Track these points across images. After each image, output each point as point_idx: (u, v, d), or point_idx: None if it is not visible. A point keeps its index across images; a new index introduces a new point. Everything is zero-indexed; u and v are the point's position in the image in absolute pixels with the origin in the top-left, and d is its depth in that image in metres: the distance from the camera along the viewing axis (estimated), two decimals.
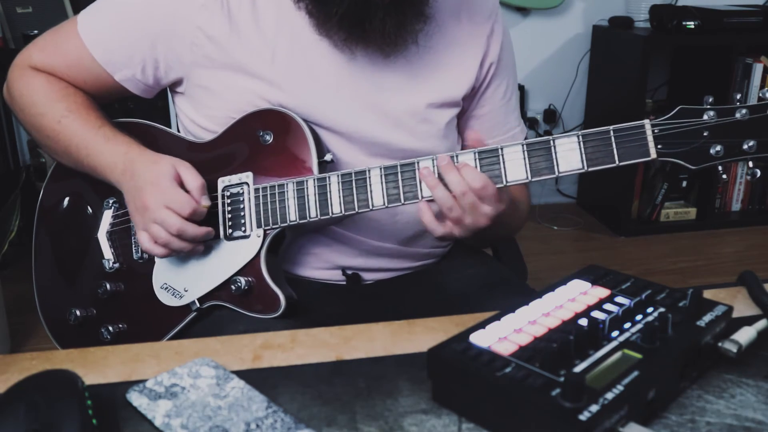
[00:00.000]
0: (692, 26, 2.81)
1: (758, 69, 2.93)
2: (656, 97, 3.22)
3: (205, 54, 0.99)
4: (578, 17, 3.18)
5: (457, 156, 0.89)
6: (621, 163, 0.85)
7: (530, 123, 3.23)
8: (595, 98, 3.21)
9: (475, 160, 0.89)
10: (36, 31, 2.54)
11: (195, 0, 0.98)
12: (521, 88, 3.18)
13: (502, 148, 0.88)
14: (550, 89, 3.24)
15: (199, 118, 1.04)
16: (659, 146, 0.84)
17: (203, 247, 0.97)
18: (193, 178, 0.94)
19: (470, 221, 0.89)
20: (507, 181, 0.88)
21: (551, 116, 3.26)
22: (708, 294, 0.73)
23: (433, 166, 0.90)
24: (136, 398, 0.65)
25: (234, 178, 0.98)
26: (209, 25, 0.98)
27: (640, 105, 2.90)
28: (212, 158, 1.01)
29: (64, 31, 1.05)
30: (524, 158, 0.87)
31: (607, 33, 3.07)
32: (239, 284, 0.95)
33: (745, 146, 0.82)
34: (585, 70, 3.23)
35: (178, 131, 1.12)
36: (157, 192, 0.92)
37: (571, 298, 0.73)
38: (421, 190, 0.90)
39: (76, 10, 2.61)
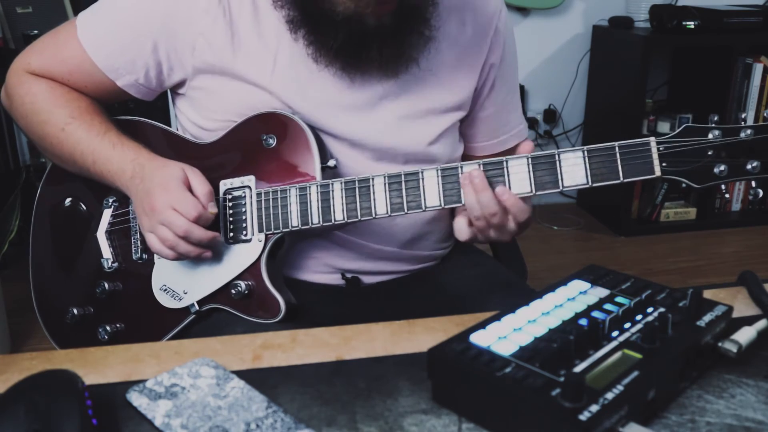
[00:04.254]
0: (692, 26, 2.81)
1: (758, 69, 2.93)
2: (656, 97, 3.22)
3: (206, 60, 0.98)
4: (578, 17, 3.18)
5: (462, 166, 0.89)
6: (625, 180, 0.85)
7: (530, 123, 3.23)
8: (595, 98, 3.21)
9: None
10: (36, 31, 2.54)
11: (196, 4, 0.97)
12: (521, 88, 3.18)
13: (507, 161, 0.88)
14: (550, 89, 3.24)
15: (199, 119, 1.04)
16: (664, 164, 0.83)
17: (211, 253, 0.96)
18: (201, 184, 0.93)
19: (495, 236, 0.90)
20: None
21: (551, 116, 3.26)
22: (708, 294, 0.73)
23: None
24: (136, 398, 0.65)
25: (236, 181, 0.98)
26: (211, 31, 0.97)
27: (640, 105, 2.90)
28: (214, 160, 1.01)
29: (62, 35, 1.03)
30: (529, 172, 0.87)
31: (607, 33, 3.07)
32: (239, 288, 0.95)
33: (749, 166, 0.82)
34: (585, 70, 3.23)
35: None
36: (164, 193, 0.91)
37: (571, 298, 0.73)
38: (424, 200, 0.90)
39: (76, 10, 2.61)
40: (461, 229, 0.92)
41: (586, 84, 3.25)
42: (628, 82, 2.89)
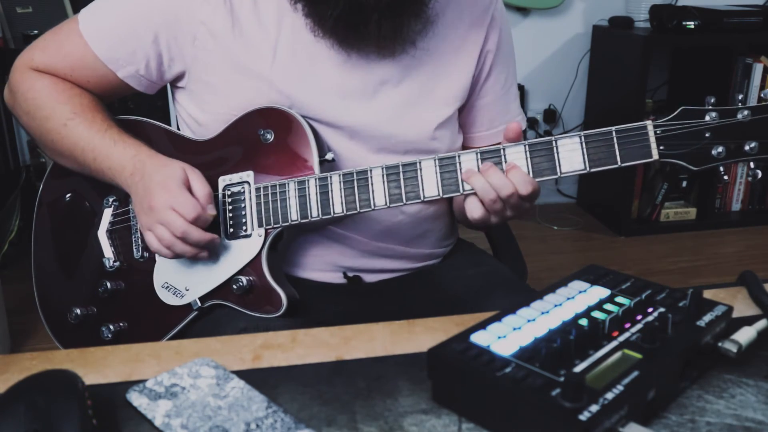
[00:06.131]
0: (692, 26, 2.81)
1: (758, 69, 2.93)
2: (656, 97, 3.22)
3: (207, 50, 0.99)
4: (578, 17, 3.18)
5: (459, 155, 0.89)
6: (623, 164, 0.85)
7: (530, 123, 3.23)
8: (595, 98, 3.21)
9: (477, 160, 0.89)
10: (36, 31, 2.54)
11: None
12: (521, 88, 3.17)
13: (504, 148, 0.88)
14: (550, 89, 3.24)
15: (199, 114, 1.04)
16: (661, 147, 0.84)
17: (207, 253, 0.96)
18: (201, 185, 0.94)
19: (510, 215, 0.91)
20: None
21: (551, 116, 3.26)
22: (708, 294, 0.73)
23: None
24: (136, 398, 0.65)
25: (235, 177, 0.98)
26: (212, 20, 0.98)
27: (640, 105, 2.90)
28: (213, 156, 1.01)
29: (65, 30, 1.04)
30: (526, 158, 0.87)
31: (607, 33, 3.07)
32: (241, 283, 0.95)
33: (747, 147, 0.82)
34: (585, 70, 3.23)
35: (178, 128, 1.12)
36: (164, 193, 0.92)
37: (571, 298, 0.73)
38: (423, 190, 0.90)
39: (76, 10, 2.60)
40: (474, 208, 0.90)
41: (586, 84, 3.24)
42: (628, 82, 2.89)
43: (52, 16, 2.60)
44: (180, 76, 1.04)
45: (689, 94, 3.12)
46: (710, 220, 3.10)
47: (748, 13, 2.86)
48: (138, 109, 1.68)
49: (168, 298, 1.00)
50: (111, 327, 1.05)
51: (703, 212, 3.10)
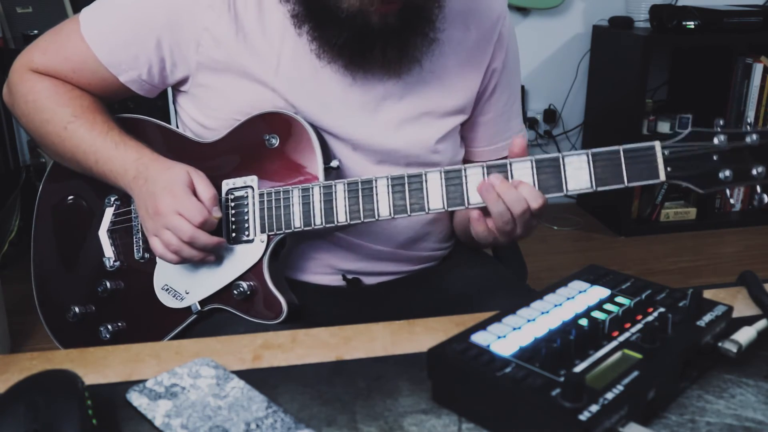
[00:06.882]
0: (692, 26, 2.81)
1: (758, 69, 2.93)
2: (656, 97, 3.22)
3: (211, 56, 0.98)
4: (578, 17, 3.18)
5: (465, 169, 0.88)
6: (629, 184, 0.84)
7: (530, 123, 3.23)
8: (595, 98, 3.21)
9: (484, 174, 0.88)
10: (36, 31, 2.54)
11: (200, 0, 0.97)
12: (521, 88, 3.17)
13: (510, 164, 0.87)
14: (550, 89, 3.24)
15: (201, 117, 1.04)
16: (669, 168, 0.83)
17: (214, 257, 0.96)
18: (206, 188, 0.93)
19: (519, 233, 0.90)
20: None
21: (551, 116, 3.26)
22: (708, 294, 0.73)
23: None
24: (136, 398, 0.65)
25: (239, 181, 0.98)
26: (216, 27, 0.97)
27: (640, 105, 2.90)
28: (217, 159, 1.00)
29: (65, 32, 1.03)
30: (533, 175, 0.86)
31: (607, 33, 3.08)
32: (241, 289, 0.95)
33: (754, 172, 0.81)
34: (585, 70, 3.23)
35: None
36: (170, 198, 0.91)
37: (571, 298, 0.73)
38: (428, 202, 0.90)
39: (76, 10, 2.60)
40: (481, 237, 0.90)
41: (586, 84, 3.25)
42: (628, 82, 2.90)
43: (52, 16, 2.60)
44: (182, 81, 1.03)
45: (689, 94, 3.13)
46: (710, 220, 3.11)
47: (748, 13, 2.86)
48: (138, 108, 1.68)
49: (167, 301, 1.00)
50: (110, 327, 1.04)
51: (703, 212, 3.11)
